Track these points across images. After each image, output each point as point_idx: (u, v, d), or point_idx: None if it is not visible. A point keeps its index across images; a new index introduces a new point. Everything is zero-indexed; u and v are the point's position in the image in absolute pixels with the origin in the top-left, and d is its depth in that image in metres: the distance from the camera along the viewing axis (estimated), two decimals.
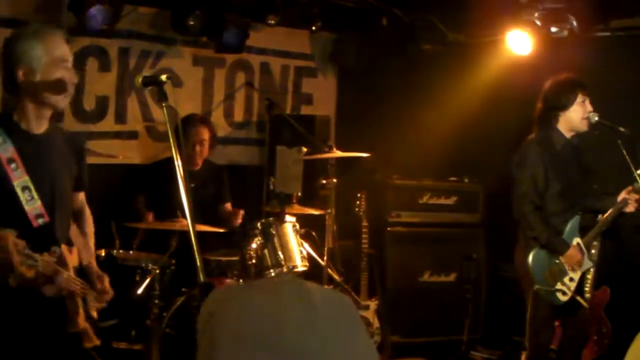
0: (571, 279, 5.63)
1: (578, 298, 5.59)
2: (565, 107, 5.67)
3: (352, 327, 1.54)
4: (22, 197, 3.55)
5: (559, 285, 5.62)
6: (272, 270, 5.90)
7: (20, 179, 3.55)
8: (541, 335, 5.79)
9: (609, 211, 5.68)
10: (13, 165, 3.54)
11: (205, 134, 6.79)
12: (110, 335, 5.79)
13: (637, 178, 5.54)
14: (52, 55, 3.63)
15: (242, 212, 6.74)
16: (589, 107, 5.66)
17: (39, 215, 3.61)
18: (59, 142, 3.84)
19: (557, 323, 6.00)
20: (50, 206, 3.67)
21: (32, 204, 3.57)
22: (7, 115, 3.68)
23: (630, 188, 5.64)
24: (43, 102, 3.66)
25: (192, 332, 5.50)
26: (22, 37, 3.66)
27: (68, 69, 3.69)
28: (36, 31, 3.68)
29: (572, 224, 5.68)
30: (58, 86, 3.65)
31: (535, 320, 5.79)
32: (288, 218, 6.17)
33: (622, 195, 5.67)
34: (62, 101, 3.72)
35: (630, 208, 5.67)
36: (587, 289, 5.82)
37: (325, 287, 1.60)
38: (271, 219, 6.12)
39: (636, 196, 5.62)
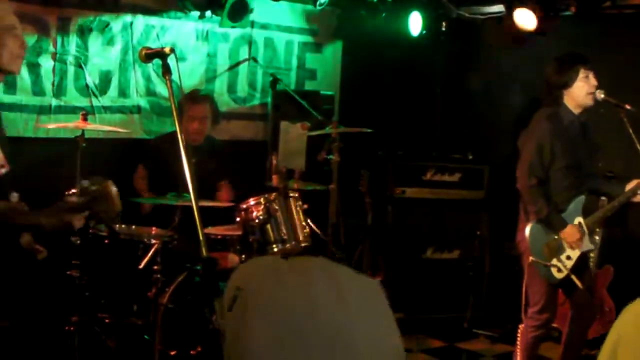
0: (568, 257, 5.61)
1: (573, 277, 5.57)
2: (567, 84, 5.64)
3: (378, 310, 1.53)
4: None
5: (554, 261, 5.60)
6: (274, 246, 5.89)
7: None
8: (542, 311, 5.78)
9: (617, 199, 5.67)
10: None
11: (207, 111, 6.77)
12: (112, 309, 5.81)
13: None
14: (1, 24, 3.79)
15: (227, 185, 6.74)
16: (594, 81, 5.62)
17: (1, 166, 3.89)
18: None
19: (561, 301, 6.01)
20: (6, 157, 3.95)
21: None
22: None
23: None
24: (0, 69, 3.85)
25: (194, 307, 5.50)
26: None
27: (18, 35, 3.85)
28: None
29: (575, 203, 5.66)
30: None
31: (535, 296, 5.80)
32: (291, 193, 6.15)
33: (632, 184, 5.64)
34: (18, 65, 3.93)
35: (639, 198, 5.65)
36: (590, 265, 5.82)
37: (354, 271, 1.57)
38: (274, 194, 6.10)
39: None
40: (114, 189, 3.69)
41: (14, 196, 3.84)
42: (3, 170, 3.89)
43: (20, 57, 3.90)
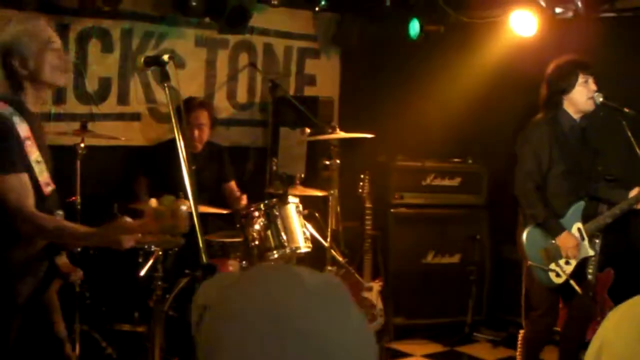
0: (567, 262, 5.60)
1: (572, 282, 5.56)
2: (567, 90, 5.62)
3: (345, 304, 1.54)
4: (37, 169, 3.83)
5: (553, 266, 5.60)
6: (275, 252, 5.90)
7: (34, 154, 3.83)
8: (543, 316, 5.78)
9: (619, 205, 5.65)
10: (29, 142, 3.81)
11: (205, 118, 6.76)
12: (113, 317, 5.81)
13: None
14: (40, 40, 3.87)
15: (245, 196, 6.72)
16: (593, 87, 5.61)
17: (47, 184, 3.89)
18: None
19: (560, 305, 6.01)
20: (51, 175, 3.95)
21: (42, 175, 3.86)
22: (15, 97, 3.90)
23: None
24: (43, 84, 3.93)
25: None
26: (8, 30, 3.91)
27: (56, 49, 3.93)
28: (20, 21, 3.95)
29: (575, 208, 5.66)
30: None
31: (535, 301, 5.80)
32: (291, 199, 6.16)
33: (635, 192, 5.63)
34: (61, 78, 3.99)
35: None
36: (590, 271, 5.81)
37: (309, 269, 1.58)
38: (274, 200, 6.11)
39: None
40: (182, 209, 3.72)
41: (59, 214, 3.94)
42: (49, 189, 3.92)
43: (61, 69, 3.96)
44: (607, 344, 1.94)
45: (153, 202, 3.63)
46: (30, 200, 3.76)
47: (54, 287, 4.06)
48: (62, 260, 4.00)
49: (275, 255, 5.90)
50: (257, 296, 1.47)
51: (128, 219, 3.83)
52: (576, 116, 5.68)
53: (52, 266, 3.92)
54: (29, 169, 3.81)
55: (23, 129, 3.81)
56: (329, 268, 6.51)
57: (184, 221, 3.71)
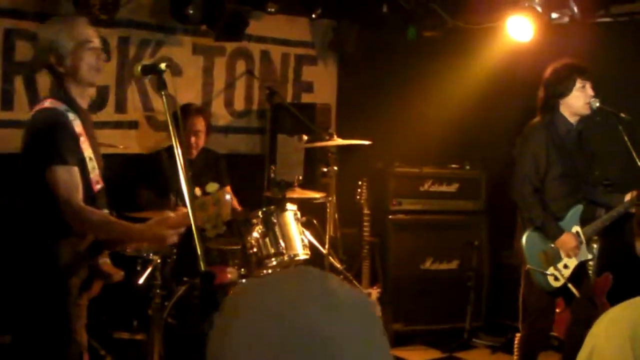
0: (565, 266, 5.61)
1: (570, 286, 5.56)
2: (564, 94, 5.63)
3: (370, 328, 1.51)
4: (89, 166, 3.98)
5: (551, 270, 5.60)
6: (273, 259, 5.90)
7: (87, 151, 3.98)
8: (537, 320, 5.78)
9: (616, 208, 5.66)
10: (82, 138, 3.96)
11: (201, 125, 6.75)
12: (112, 325, 5.80)
13: None
14: (77, 39, 3.98)
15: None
16: (590, 92, 5.61)
17: (97, 182, 4.05)
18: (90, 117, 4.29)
19: (558, 310, 6.01)
20: (101, 174, 4.12)
21: (93, 172, 4.02)
22: (67, 93, 4.05)
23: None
24: (82, 82, 4.05)
25: (194, 322, 5.50)
26: (48, 28, 4.09)
27: (93, 48, 4.04)
28: (59, 20, 4.18)
29: (573, 212, 5.67)
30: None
31: (530, 304, 5.80)
32: (289, 206, 6.16)
33: (632, 194, 5.63)
34: (96, 77, 4.10)
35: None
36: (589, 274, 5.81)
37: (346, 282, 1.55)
38: (272, 207, 6.11)
39: None
40: (227, 197, 3.77)
41: (108, 212, 4.07)
42: (98, 187, 4.05)
43: (98, 69, 4.08)
44: (598, 349, 1.94)
45: (197, 191, 3.69)
46: (78, 194, 3.86)
47: (94, 290, 4.10)
48: (104, 260, 4.03)
49: (274, 263, 5.90)
50: (269, 301, 1.45)
51: (171, 213, 3.94)
52: (572, 120, 5.69)
53: (94, 266, 3.96)
54: (82, 164, 3.93)
55: (77, 125, 3.94)
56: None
57: (227, 209, 3.77)
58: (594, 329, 1.99)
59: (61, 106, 3.94)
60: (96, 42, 4.08)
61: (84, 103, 4.11)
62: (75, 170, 3.88)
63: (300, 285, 1.46)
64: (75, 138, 3.92)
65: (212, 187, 3.64)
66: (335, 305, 1.41)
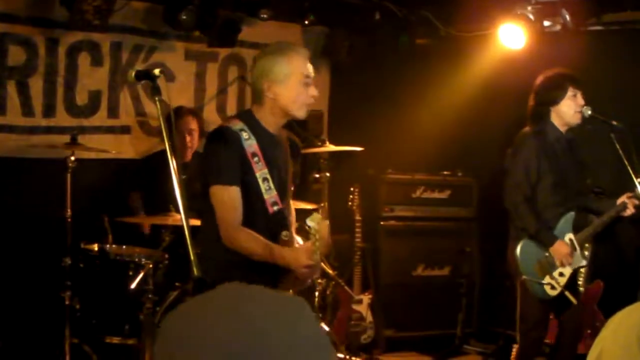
0: (561, 274, 5.61)
1: (567, 294, 5.56)
2: (555, 102, 5.64)
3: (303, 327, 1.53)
4: (262, 186, 4.05)
5: (547, 279, 5.59)
6: None
7: (261, 171, 4.05)
8: (532, 329, 5.77)
9: (607, 213, 5.68)
10: (256, 159, 4.03)
11: (194, 124, 6.76)
12: (103, 330, 5.79)
13: (638, 185, 5.51)
14: (296, 72, 4.10)
15: None
16: (581, 101, 5.62)
17: (274, 203, 4.12)
18: (284, 142, 4.37)
19: (551, 317, 6.01)
20: (281, 195, 4.16)
21: (269, 193, 4.09)
22: (249, 113, 4.17)
23: (630, 194, 5.62)
24: (282, 111, 4.15)
25: None
26: (269, 54, 4.19)
27: (307, 84, 4.13)
28: (282, 49, 4.19)
29: (565, 220, 5.67)
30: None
31: (525, 314, 5.79)
32: None
33: (622, 199, 5.65)
34: (300, 112, 4.18)
35: (628, 212, 5.66)
36: (580, 282, 5.82)
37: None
38: None
39: (636, 202, 5.61)
40: (327, 223, 3.98)
41: (284, 235, 4.17)
42: (275, 208, 4.15)
43: (309, 105, 4.18)
44: (606, 352, 1.95)
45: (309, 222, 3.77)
46: (233, 214, 3.96)
47: None
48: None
49: None
50: (212, 323, 1.46)
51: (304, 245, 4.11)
52: (562, 128, 5.70)
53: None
54: (247, 185, 4.00)
55: (250, 144, 4.01)
56: (319, 281, 6.50)
57: (329, 240, 4.05)
58: (602, 332, 2.01)
59: (236, 125, 4.05)
60: (311, 79, 4.16)
61: (273, 127, 4.17)
62: (233, 190, 3.97)
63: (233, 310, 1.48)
64: (244, 157, 4.00)
65: (317, 218, 3.72)
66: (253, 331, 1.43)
